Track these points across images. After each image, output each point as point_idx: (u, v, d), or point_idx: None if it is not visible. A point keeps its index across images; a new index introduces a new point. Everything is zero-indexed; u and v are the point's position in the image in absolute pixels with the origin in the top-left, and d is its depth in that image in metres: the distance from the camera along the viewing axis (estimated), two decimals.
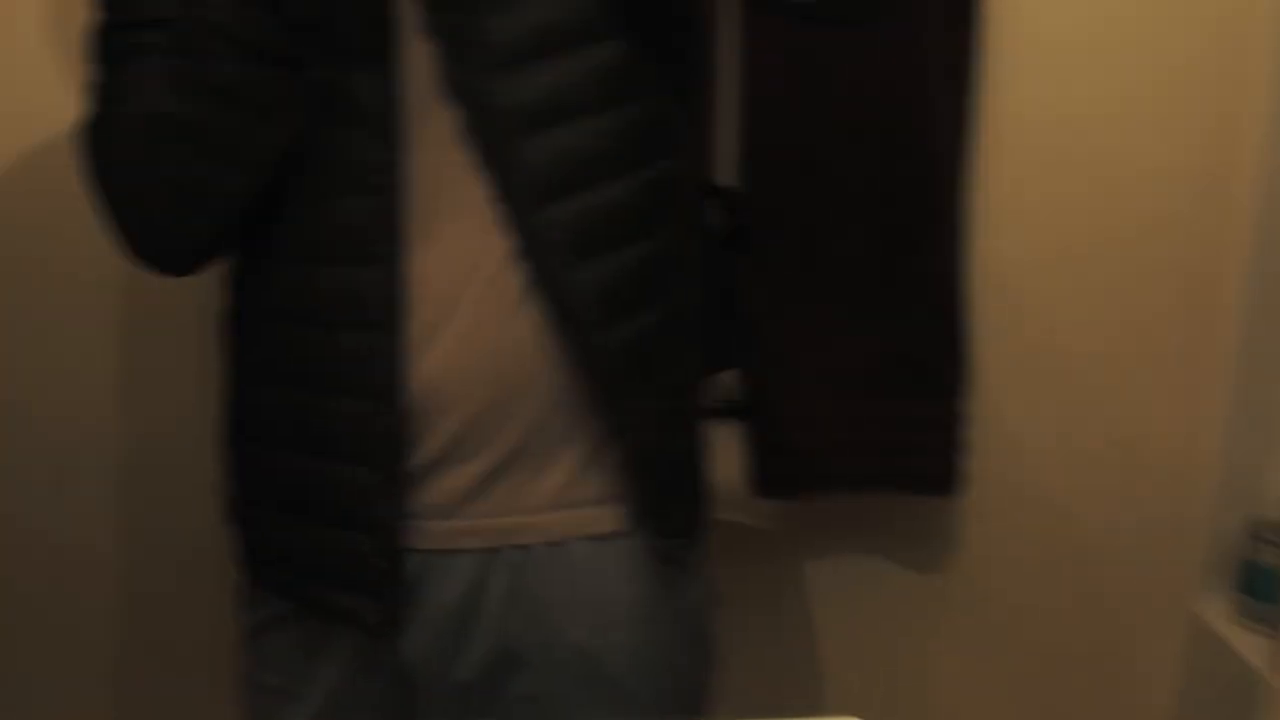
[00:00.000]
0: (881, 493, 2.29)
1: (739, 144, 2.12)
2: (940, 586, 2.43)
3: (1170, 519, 2.44)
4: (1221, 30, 2.23)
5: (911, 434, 2.26)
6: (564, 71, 1.38)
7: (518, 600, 1.49)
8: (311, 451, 1.46)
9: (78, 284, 2.10)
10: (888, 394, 2.24)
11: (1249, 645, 2.31)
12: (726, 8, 2.06)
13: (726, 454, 2.21)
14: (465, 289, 1.40)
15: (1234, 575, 2.42)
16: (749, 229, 1.73)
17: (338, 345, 1.42)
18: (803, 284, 2.21)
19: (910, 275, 2.21)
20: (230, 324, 1.56)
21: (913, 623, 2.44)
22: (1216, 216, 2.31)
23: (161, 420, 2.16)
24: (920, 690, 2.44)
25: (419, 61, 1.39)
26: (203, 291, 1.65)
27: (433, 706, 1.52)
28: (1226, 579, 2.44)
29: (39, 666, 2.24)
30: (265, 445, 1.52)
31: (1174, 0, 2.22)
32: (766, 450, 2.23)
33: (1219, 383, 2.38)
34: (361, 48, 1.38)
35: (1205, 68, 2.25)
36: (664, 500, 1.52)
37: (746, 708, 2.36)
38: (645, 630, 1.53)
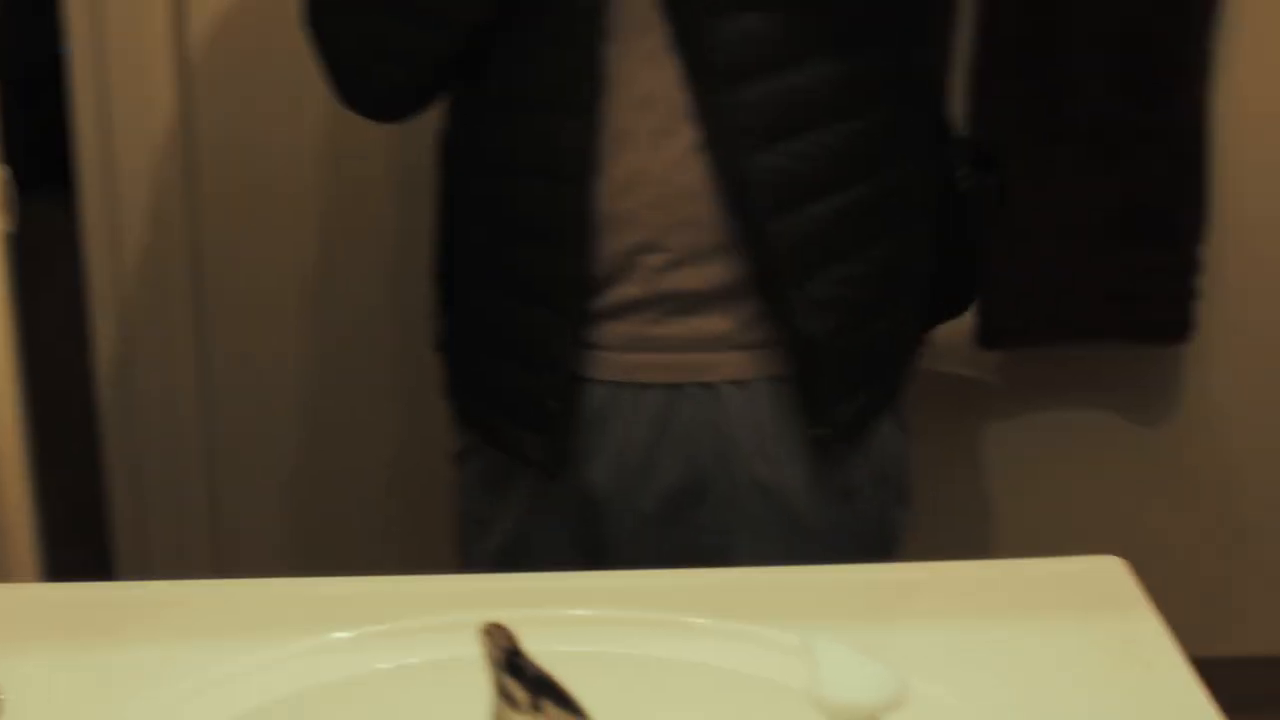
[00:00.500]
0: (1110, 342, 2.25)
1: None
2: (1167, 439, 2.37)
3: None
4: None
5: (1146, 281, 2.20)
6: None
7: (703, 434, 1.50)
8: (504, 291, 1.51)
9: None
10: (1124, 241, 2.18)
11: None
12: None
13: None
14: (654, 153, 1.42)
15: None
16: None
17: (531, 191, 1.45)
18: (1041, 127, 2.15)
19: (1152, 123, 2.14)
20: (442, 165, 1.60)
21: (1139, 475, 2.39)
22: None
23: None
24: (1149, 543, 2.39)
25: None
26: None
27: (619, 537, 1.53)
28: None
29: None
30: (468, 283, 1.58)
31: None
32: (995, 298, 2.18)
33: None
34: None
35: None
36: (824, 397, 1.50)
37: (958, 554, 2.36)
38: (827, 468, 1.52)
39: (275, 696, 1.02)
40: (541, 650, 0.83)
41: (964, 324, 2.18)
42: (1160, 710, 1.02)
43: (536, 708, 0.77)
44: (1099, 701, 1.02)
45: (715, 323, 1.47)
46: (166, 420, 2.20)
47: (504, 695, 0.79)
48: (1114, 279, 2.19)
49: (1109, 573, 1.21)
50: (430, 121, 1.61)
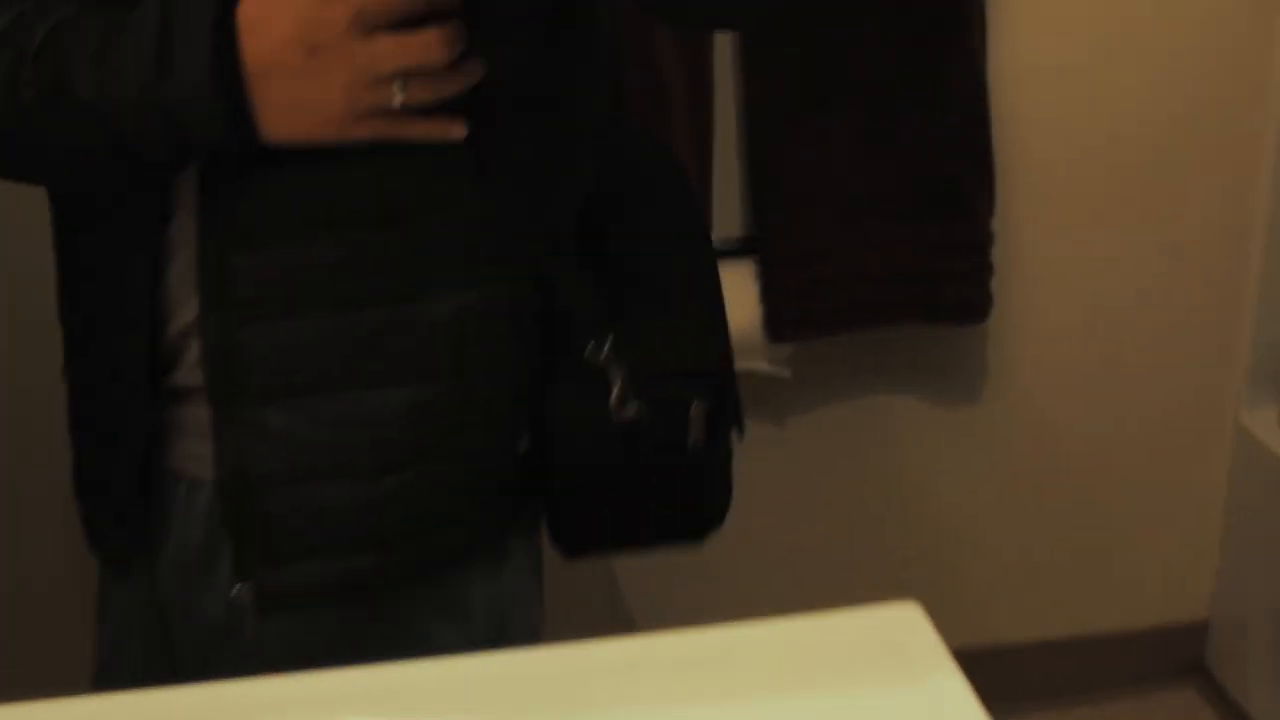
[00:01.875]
0: (906, 325, 2.14)
1: None
2: (973, 418, 2.28)
3: (1215, 329, 2.29)
4: None
5: (937, 260, 2.09)
6: None
7: None
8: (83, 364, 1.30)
9: None
10: (908, 219, 2.07)
11: None
12: None
13: (739, 296, 2.06)
14: None
15: None
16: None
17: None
18: (810, 102, 2.03)
19: (930, 85, 2.03)
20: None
21: (948, 458, 2.30)
22: None
23: None
24: (961, 527, 2.31)
25: None
26: None
27: (185, 647, 1.29)
28: (1273, 390, 2.31)
29: None
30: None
31: None
32: (780, 289, 2.07)
33: (1263, 187, 2.21)
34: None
35: None
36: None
37: (772, 559, 2.27)
38: None
39: None
40: None
41: (752, 316, 2.06)
42: None
43: None
44: None
45: None
46: None
47: None
48: (901, 258, 2.08)
49: (907, 623, 1.08)
50: None
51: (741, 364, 2.06)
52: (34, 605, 2.10)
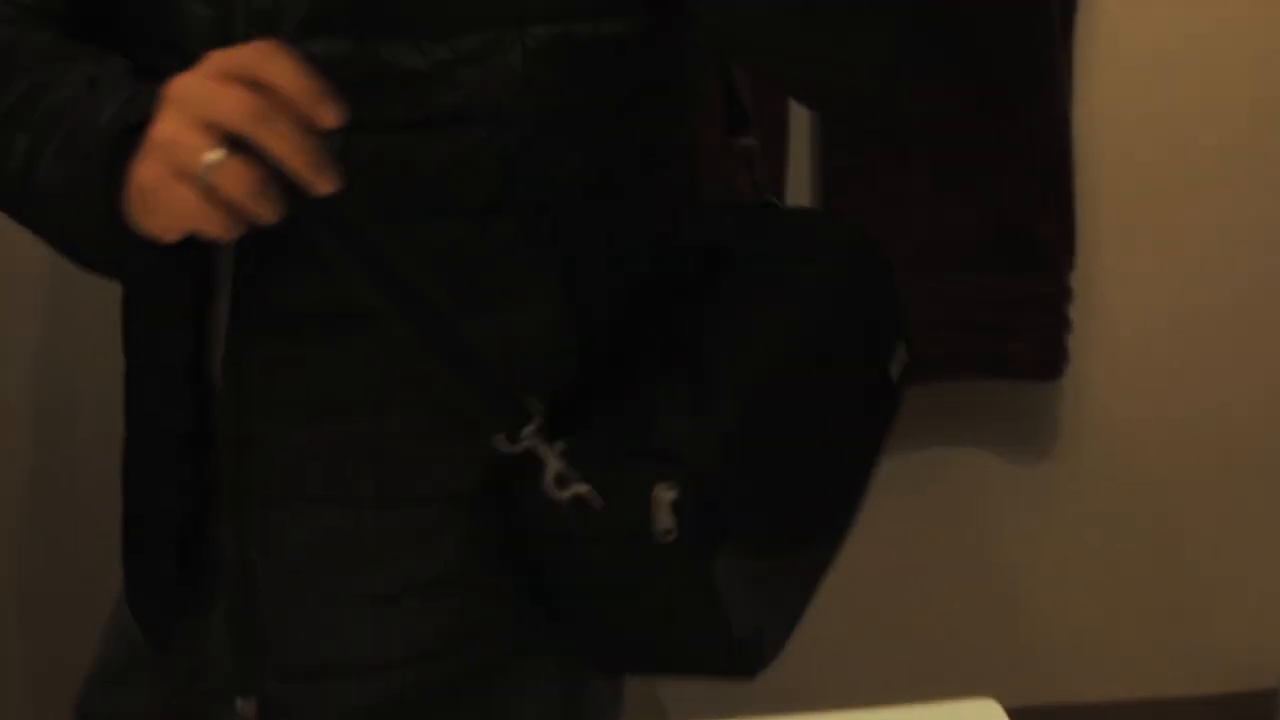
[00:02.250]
0: (978, 379, 2.09)
1: None
2: (1044, 475, 2.23)
3: None
4: None
5: (1011, 313, 2.04)
6: None
7: None
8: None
9: None
10: (984, 270, 2.02)
11: None
12: None
13: None
14: None
15: None
16: None
17: None
18: (887, 149, 1.98)
19: (1011, 138, 1.98)
20: None
21: (1017, 515, 2.24)
22: None
23: None
24: (1028, 585, 2.26)
25: None
26: None
27: None
28: None
29: None
30: None
31: None
32: None
33: None
34: None
35: None
36: None
37: (835, 604, 2.22)
38: None
39: None
40: None
41: None
42: None
43: None
44: None
45: None
46: None
47: None
48: (975, 311, 2.04)
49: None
50: None
51: None
52: None
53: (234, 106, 0.89)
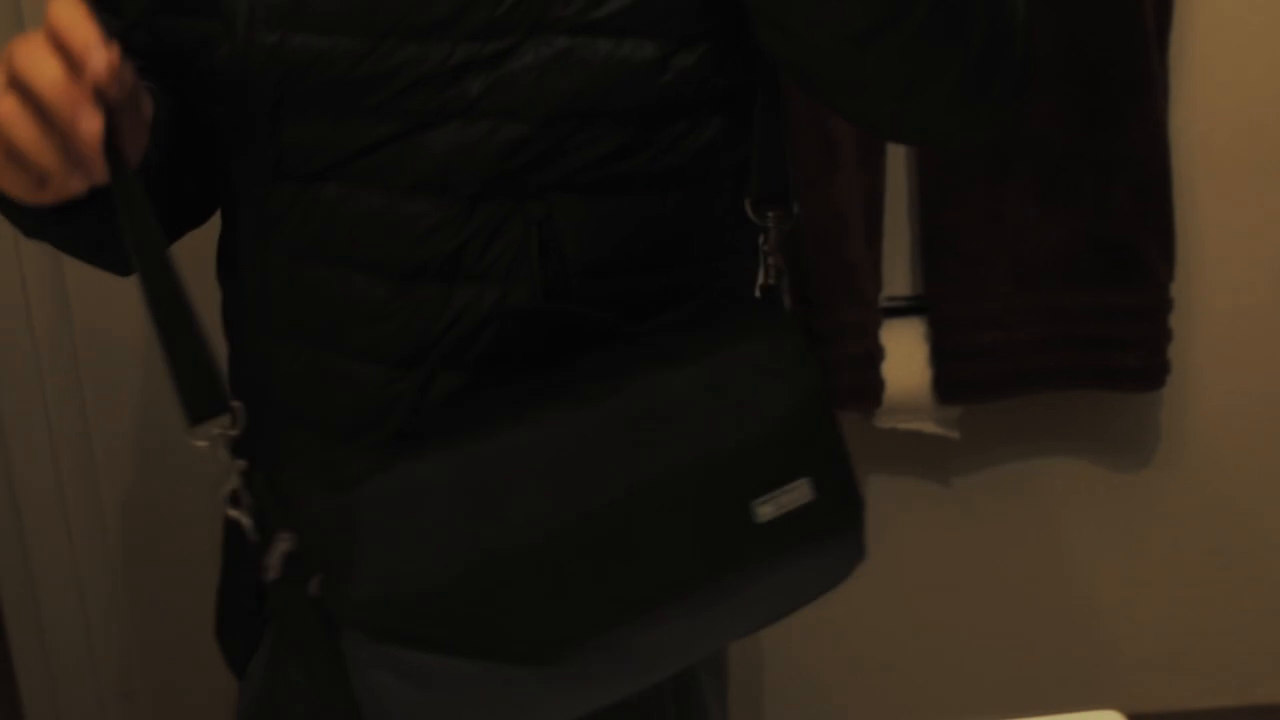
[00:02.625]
0: (1077, 391, 2.09)
1: None
2: (1143, 487, 2.22)
3: None
4: None
5: (1112, 326, 2.04)
6: None
7: None
8: None
9: None
10: (1085, 283, 2.02)
11: None
12: None
13: (909, 356, 2.03)
14: None
15: None
16: None
17: None
18: (985, 161, 1.99)
19: (1109, 151, 1.97)
20: None
21: (1116, 526, 2.24)
22: None
23: None
24: (1125, 596, 2.26)
25: None
26: None
27: None
28: None
29: None
30: None
31: None
32: (950, 350, 2.03)
33: None
34: None
35: None
36: None
37: (933, 613, 2.23)
38: None
39: None
40: None
41: (922, 376, 2.03)
42: None
43: None
44: None
45: None
46: None
47: None
48: (1075, 323, 2.04)
49: None
50: None
51: (910, 424, 2.06)
52: None
53: (20, 59, 0.90)
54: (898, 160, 2.01)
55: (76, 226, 1.02)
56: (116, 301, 1.96)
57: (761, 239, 1.14)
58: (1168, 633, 2.29)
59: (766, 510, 1.04)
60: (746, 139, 1.12)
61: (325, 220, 1.07)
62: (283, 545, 0.97)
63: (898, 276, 2.07)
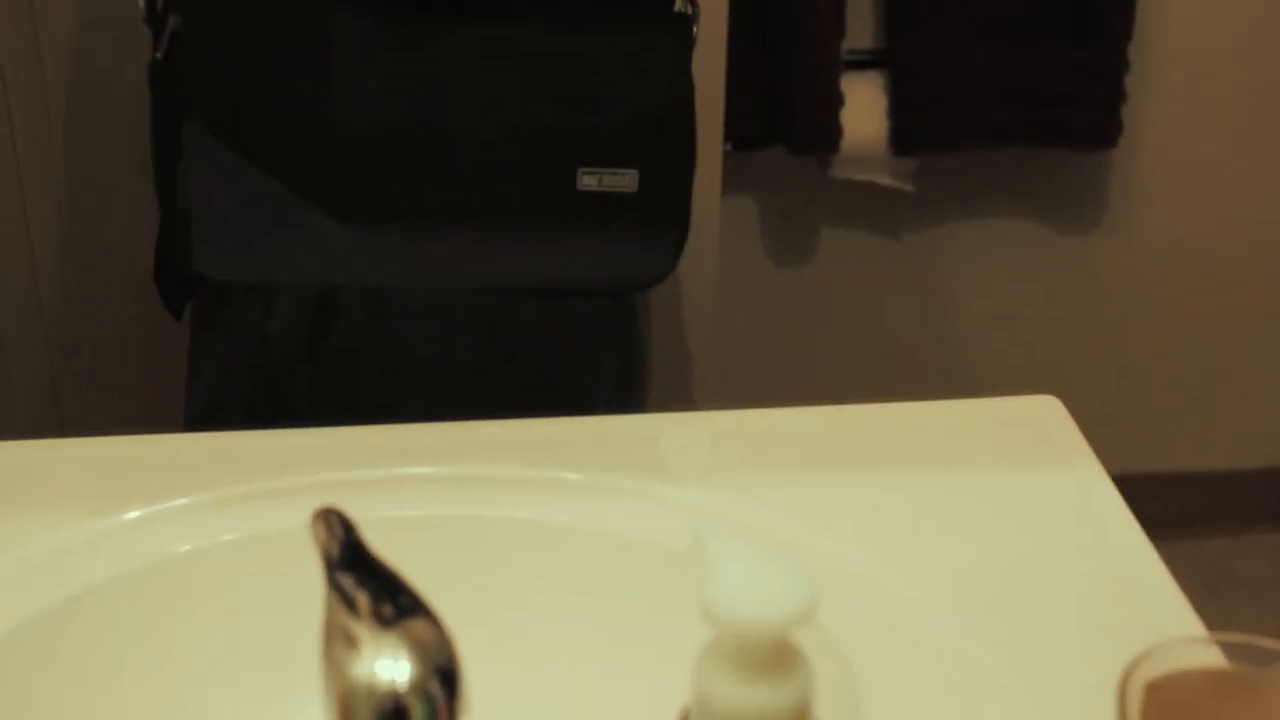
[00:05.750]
0: (1032, 147, 2.11)
1: None
2: (1093, 247, 2.25)
3: None
4: None
5: (1067, 82, 2.06)
6: None
7: None
8: None
9: None
10: (1043, 38, 2.04)
11: None
12: None
13: (867, 107, 2.04)
14: None
15: None
16: None
17: None
18: None
19: None
20: None
21: (1064, 283, 2.27)
22: None
23: None
24: (1074, 356, 2.30)
25: None
26: None
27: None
28: None
29: None
30: None
31: None
32: (908, 102, 2.04)
33: None
34: None
35: None
36: None
37: (887, 363, 2.27)
38: None
39: (112, 572, 0.88)
40: (383, 516, 0.72)
41: (879, 128, 2.05)
42: (1116, 571, 0.90)
43: (380, 615, 0.63)
44: (1055, 567, 0.90)
45: None
46: None
47: (341, 598, 0.64)
48: (1032, 79, 2.05)
49: (1047, 414, 1.08)
50: None
51: (865, 175, 2.08)
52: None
53: None
54: None
55: None
56: None
57: None
58: (1108, 397, 2.33)
59: (589, 181, 1.19)
60: None
61: None
62: (171, 24, 1.13)
63: (861, 29, 2.07)
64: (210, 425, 1.32)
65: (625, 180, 1.18)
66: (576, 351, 1.33)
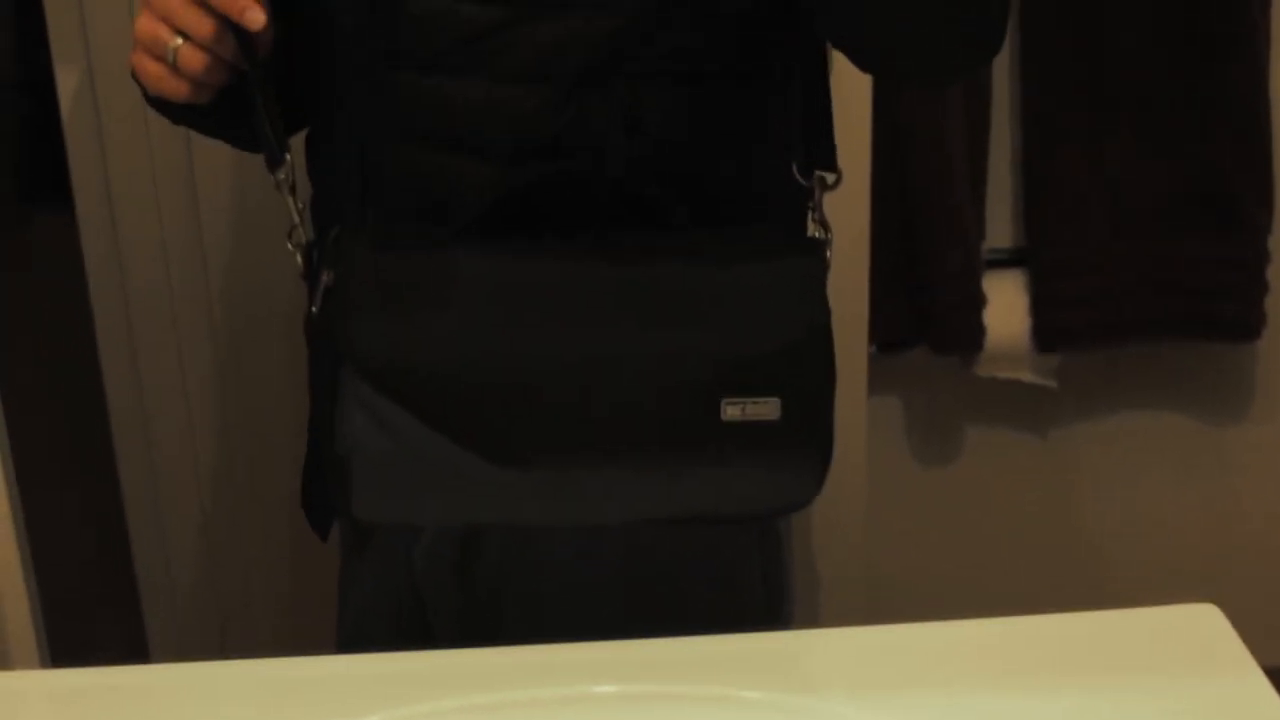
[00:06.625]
0: (1175, 341, 2.12)
1: None
2: (1241, 439, 2.24)
3: None
4: None
5: (1209, 275, 2.07)
6: None
7: None
8: None
9: None
10: (1183, 232, 2.05)
11: None
12: None
13: (1008, 305, 2.06)
14: None
15: None
16: None
17: None
18: (1088, 111, 2.02)
19: (1211, 96, 2.00)
20: None
21: (1213, 476, 2.26)
22: None
23: None
24: (1222, 548, 2.28)
25: None
26: None
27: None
28: None
29: None
30: None
31: None
32: (1049, 299, 2.06)
33: None
34: None
35: None
36: None
37: (1032, 566, 2.26)
38: None
39: None
40: None
41: (1023, 326, 2.06)
42: None
43: None
44: None
45: None
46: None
47: None
48: (1173, 272, 2.06)
49: (1206, 623, 1.08)
50: None
51: (1009, 373, 2.09)
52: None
53: (175, 7, 1.12)
54: (1002, 107, 2.05)
55: (215, 118, 1.23)
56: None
57: (810, 202, 1.26)
58: (1258, 591, 2.30)
59: (733, 413, 1.19)
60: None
61: (434, 107, 1.19)
62: (325, 280, 1.17)
63: (1000, 229, 2.10)
64: (359, 649, 1.36)
65: (768, 409, 1.19)
66: (721, 574, 1.34)
